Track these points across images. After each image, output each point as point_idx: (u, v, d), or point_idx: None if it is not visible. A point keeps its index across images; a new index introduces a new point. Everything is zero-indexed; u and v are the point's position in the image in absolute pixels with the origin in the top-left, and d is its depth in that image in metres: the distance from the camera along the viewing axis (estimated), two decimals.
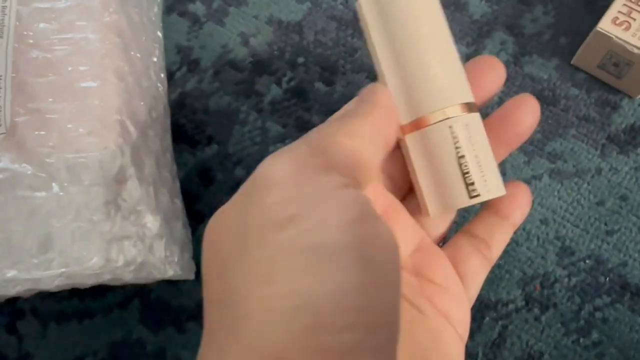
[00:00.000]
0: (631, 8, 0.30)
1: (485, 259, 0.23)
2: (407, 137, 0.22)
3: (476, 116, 0.22)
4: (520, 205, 0.23)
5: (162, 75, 0.32)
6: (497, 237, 0.23)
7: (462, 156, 0.21)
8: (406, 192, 0.25)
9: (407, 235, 0.23)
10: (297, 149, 0.18)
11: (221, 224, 0.17)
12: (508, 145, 0.23)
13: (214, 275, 0.17)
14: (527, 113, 0.22)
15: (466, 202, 0.22)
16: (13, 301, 0.30)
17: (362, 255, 0.15)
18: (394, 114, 0.21)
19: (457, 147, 0.21)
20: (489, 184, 0.22)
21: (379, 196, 0.22)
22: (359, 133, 0.19)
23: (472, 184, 0.21)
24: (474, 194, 0.21)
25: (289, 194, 0.16)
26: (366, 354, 0.14)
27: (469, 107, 0.22)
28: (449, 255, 0.23)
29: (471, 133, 0.21)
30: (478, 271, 0.23)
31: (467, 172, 0.21)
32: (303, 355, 0.14)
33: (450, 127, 0.21)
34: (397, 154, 0.24)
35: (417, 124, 0.21)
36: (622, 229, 0.29)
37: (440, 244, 0.24)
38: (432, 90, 0.21)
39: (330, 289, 0.14)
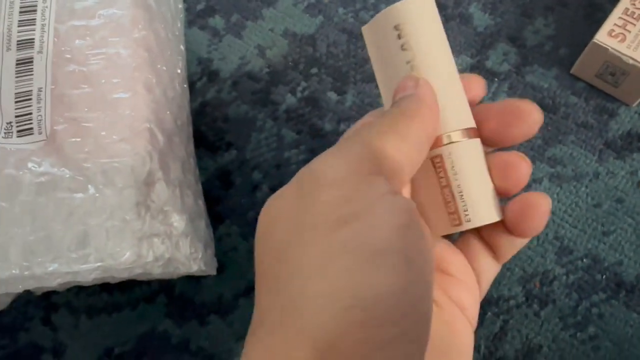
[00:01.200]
0: (626, 21, 0.32)
1: (494, 259, 0.24)
2: None
3: (467, 143, 0.21)
4: (532, 225, 0.22)
5: (185, 86, 0.34)
6: (505, 248, 0.23)
7: (445, 186, 0.21)
8: None
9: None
10: (350, 151, 0.19)
11: (276, 212, 0.18)
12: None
13: (266, 261, 0.18)
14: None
15: (449, 229, 0.22)
16: (48, 295, 0.33)
17: (407, 258, 0.17)
18: (437, 111, 0.21)
19: (440, 177, 0.21)
20: (473, 214, 0.21)
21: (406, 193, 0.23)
22: (408, 136, 0.19)
23: (453, 213, 0.21)
24: (455, 222, 0.21)
25: (343, 196, 0.17)
26: (406, 344, 0.16)
27: (465, 134, 0.21)
28: (461, 251, 0.24)
29: (455, 162, 0.21)
30: (488, 269, 0.24)
31: (449, 202, 0.21)
32: (353, 345, 0.16)
33: (432, 158, 0.21)
34: None
35: None
36: (618, 230, 0.31)
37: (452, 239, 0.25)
38: None
39: (379, 288, 0.16)
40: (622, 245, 0.30)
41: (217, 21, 0.40)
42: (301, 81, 0.37)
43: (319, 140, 0.35)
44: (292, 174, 0.34)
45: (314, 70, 0.37)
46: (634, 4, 0.32)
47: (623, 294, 0.30)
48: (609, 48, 0.31)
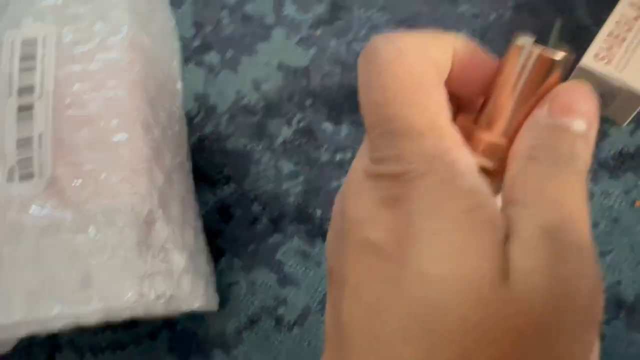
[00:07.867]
0: (612, 43, 0.32)
1: None
2: None
3: None
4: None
5: (183, 122, 0.35)
6: None
7: None
8: None
9: None
10: None
11: None
12: None
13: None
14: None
15: None
16: (52, 335, 0.33)
17: None
18: None
19: None
20: None
21: None
22: None
23: None
24: None
25: None
26: None
27: None
28: None
29: None
30: None
31: None
32: None
33: None
34: None
35: None
36: (615, 250, 0.31)
37: None
38: None
39: None
40: (619, 265, 0.31)
41: (212, 57, 0.40)
42: (297, 113, 0.38)
43: (315, 171, 0.36)
44: (290, 204, 0.35)
45: (309, 101, 0.38)
46: (619, 26, 0.33)
47: (623, 314, 0.30)
48: (596, 72, 0.32)
